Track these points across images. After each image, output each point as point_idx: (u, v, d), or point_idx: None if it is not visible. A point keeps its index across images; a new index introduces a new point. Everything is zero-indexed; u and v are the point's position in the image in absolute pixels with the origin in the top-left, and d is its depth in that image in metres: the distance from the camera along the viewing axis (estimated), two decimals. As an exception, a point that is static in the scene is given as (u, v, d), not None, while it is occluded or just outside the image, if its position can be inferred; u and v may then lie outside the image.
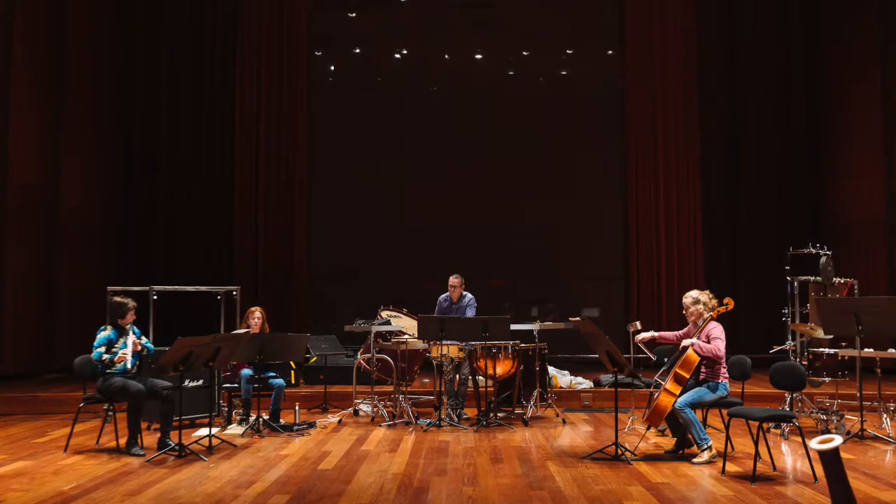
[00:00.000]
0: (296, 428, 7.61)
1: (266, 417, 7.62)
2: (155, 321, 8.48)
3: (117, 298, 6.91)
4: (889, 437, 7.05)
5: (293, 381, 9.67)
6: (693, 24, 13.06)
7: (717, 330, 6.30)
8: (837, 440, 3.30)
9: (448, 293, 8.62)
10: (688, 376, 6.21)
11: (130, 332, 6.79)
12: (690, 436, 6.24)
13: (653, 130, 13.00)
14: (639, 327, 7.30)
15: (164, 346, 6.85)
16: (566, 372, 10.09)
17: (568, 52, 13.73)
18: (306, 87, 13.10)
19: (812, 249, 8.71)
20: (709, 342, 6.24)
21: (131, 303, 6.85)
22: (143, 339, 6.97)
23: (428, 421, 7.87)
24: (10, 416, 8.49)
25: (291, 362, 9.44)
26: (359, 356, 8.86)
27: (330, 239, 13.22)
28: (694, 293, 6.63)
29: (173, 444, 6.43)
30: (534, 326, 8.47)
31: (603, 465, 6.03)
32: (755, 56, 13.27)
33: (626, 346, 7.60)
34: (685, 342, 6.35)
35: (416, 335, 8.27)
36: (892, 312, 6.78)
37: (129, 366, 6.65)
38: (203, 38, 13.20)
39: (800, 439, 6.28)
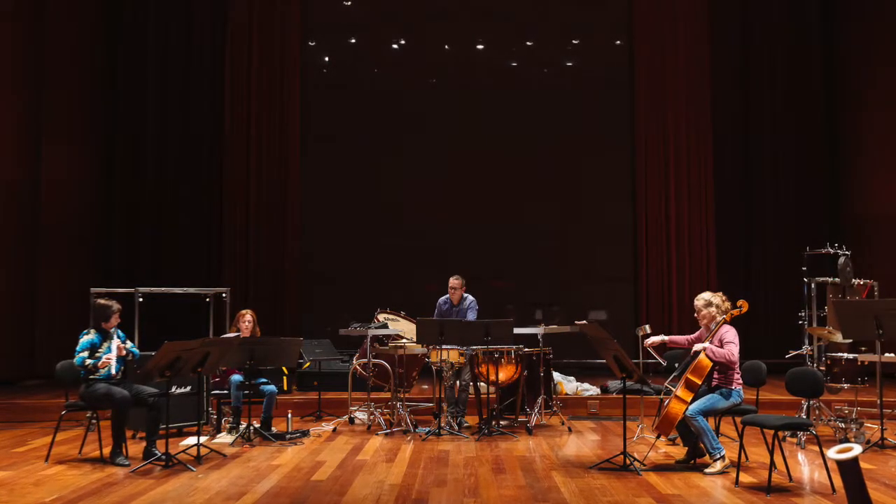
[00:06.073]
0: (288, 436, 7.51)
1: (257, 425, 7.52)
2: (140, 325, 8.55)
3: (101, 301, 6.86)
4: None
5: (285, 388, 9.63)
6: (704, 13, 12.94)
7: (730, 334, 6.20)
8: (857, 449, 3.31)
9: (448, 295, 8.53)
10: (700, 382, 6.11)
11: (115, 336, 6.71)
12: (702, 445, 6.14)
13: (663, 125, 12.88)
14: (648, 331, 7.27)
15: (150, 351, 6.81)
16: (572, 378, 10.00)
17: (574, 42, 13.53)
18: (298, 78, 12.95)
19: (830, 249, 8.77)
20: (722, 346, 6.14)
21: (116, 305, 6.79)
22: (128, 344, 6.92)
23: (427, 429, 7.76)
24: (-11, 425, 8.43)
25: (284, 368, 9.38)
26: (354, 361, 8.76)
27: (324, 238, 13.09)
28: (706, 295, 6.53)
29: (160, 454, 6.36)
30: (538, 330, 8.39)
31: (611, 476, 5.95)
32: (770, 47, 13.13)
33: (635, 350, 7.54)
34: (697, 347, 6.25)
35: (414, 339, 8.17)
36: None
37: (113, 371, 6.58)
38: (191, 29, 13.03)
39: (817, 448, 6.18)
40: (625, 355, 6.13)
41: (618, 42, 13.45)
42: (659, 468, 6.21)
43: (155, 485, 5.68)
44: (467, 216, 12.85)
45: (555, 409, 8.43)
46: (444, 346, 7.70)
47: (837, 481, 5.10)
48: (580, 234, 13.12)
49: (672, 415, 6.09)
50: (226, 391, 7.84)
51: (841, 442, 6.97)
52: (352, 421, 8.40)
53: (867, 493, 3.32)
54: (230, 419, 7.72)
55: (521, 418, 8.25)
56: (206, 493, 5.42)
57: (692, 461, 6.29)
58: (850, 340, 7.76)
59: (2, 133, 10.47)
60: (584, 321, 6.83)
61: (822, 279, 8.83)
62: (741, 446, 5.92)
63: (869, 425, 7.44)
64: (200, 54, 12.97)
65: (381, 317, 8.87)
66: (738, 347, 6.12)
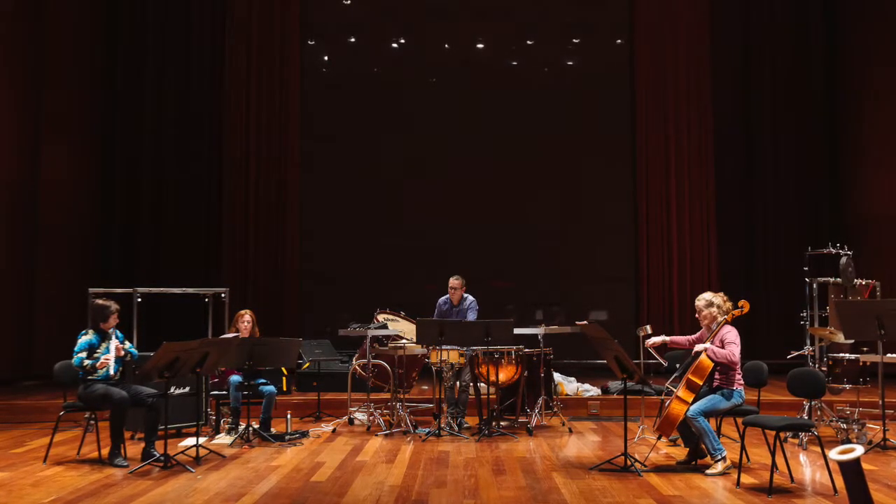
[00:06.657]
0: (287, 437, 7.46)
1: (256, 426, 7.47)
2: (139, 325, 8.52)
3: (99, 301, 6.82)
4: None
5: (285, 389, 9.56)
6: (705, 13, 12.91)
7: (731, 334, 6.17)
8: (858, 450, 3.32)
9: (448, 295, 8.48)
10: (701, 383, 6.07)
11: (113, 337, 6.68)
12: (703, 446, 6.11)
13: (663, 125, 12.85)
14: (649, 331, 7.27)
15: (148, 352, 6.77)
16: (572, 378, 9.96)
17: (574, 41, 13.49)
18: (298, 78, 12.92)
19: (832, 249, 8.72)
20: (723, 347, 6.10)
21: (114, 306, 6.75)
22: (127, 344, 6.88)
23: (427, 430, 7.71)
24: (-13, 425, 8.39)
25: (283, 368, 9.33)
26: (354, 362, 8.72)
27: (324, 238, 13.05)
28: (707, 295, 6.49)
29: (158, 455, 6.33)
30: (538, 330, 8.33)
31: (611, 477, 5.92)
32: (770, 47, 13.08)
33: (636, 351, 7.53)
34: (698, 347, 6.21)
35: (414, 339, 8.12)
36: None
37: (111, 372, 6.54)
38: (190, 29, 12.99)
39: (819, 449, 6.14)
40: (626, 356, 6.09)
41: (618, 42, 13.41)
42: (660, 469, 6.18)
43: (154, 486, 5.66)
44: (467, 216, 12.81)
45: (555, 409, 8.38)
46: (444, 347, 7.64)
47: (839, 482, 5.10)
48: (580, 234, 13.08)
49: (673, 415, 6.05)
50: (225, 392, 7.79)
51: (843, 443, 6.97)
52: (351, 422, 8.35)
53: (869, 494, 3.31)
54: (229, 420, 7.67)
55: (522, 419, 8.20)
56: (205, 495, 5.39)
57: (693, 462, 6.26)
58: (852, 341, 7.71)
59: (1, 133, 10.44)
60: (585, 321, 6.79)
61: (823, 279, 8.79)
62: (742, 447, 5.88)
63: (871, 426, 7.37)
64: (200, 54, 12.92)
65: (381, 317, 8.82)
66: (739, 348, 6.08)
